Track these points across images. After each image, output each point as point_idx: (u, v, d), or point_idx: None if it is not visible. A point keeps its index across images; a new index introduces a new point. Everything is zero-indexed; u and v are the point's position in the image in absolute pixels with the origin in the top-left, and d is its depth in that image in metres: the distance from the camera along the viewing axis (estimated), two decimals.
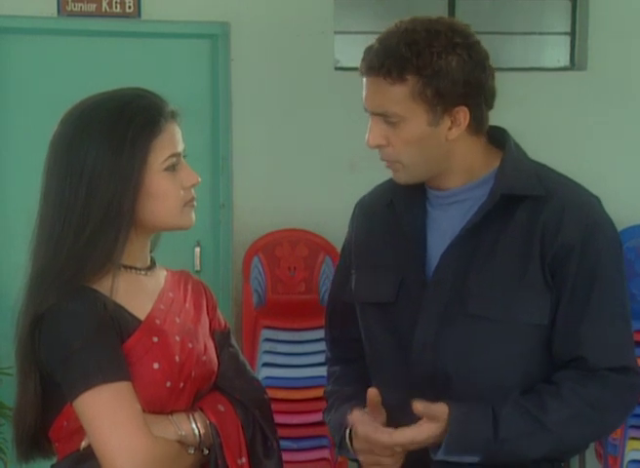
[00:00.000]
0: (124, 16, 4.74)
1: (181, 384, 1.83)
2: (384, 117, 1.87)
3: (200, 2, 4.84)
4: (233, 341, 2.03)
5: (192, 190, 1.88)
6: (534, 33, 5.41)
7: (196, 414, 1.83)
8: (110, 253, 1.79)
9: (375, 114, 1.89)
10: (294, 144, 4.98)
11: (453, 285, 1.91)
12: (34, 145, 4.65)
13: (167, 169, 1.83)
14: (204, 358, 1.90)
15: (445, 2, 5.17)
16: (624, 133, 5.21)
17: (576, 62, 5.35)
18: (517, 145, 1.99)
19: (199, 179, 1.87)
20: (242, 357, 2.03)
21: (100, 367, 1.71)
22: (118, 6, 4.73)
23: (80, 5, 4.69)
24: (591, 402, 1.86)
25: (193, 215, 1.89)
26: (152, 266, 1.94)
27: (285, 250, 4.96)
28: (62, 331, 1.74)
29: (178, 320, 1.89)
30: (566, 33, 5.38)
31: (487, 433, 1.83)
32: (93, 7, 4.71)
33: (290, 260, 4.96)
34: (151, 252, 1.97)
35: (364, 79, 1.90)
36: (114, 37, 4.79)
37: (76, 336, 1.72)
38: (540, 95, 5.12)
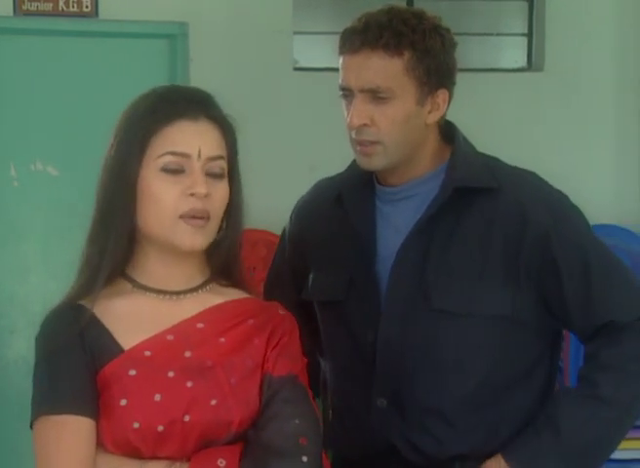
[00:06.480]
0: (81, 15, 4.70)
1: (160, 427, 1.57)
2: (374, 93, 1.86)
3: (158, 2, 4.80)
4: (290, 392, 1.65)
5: (199, 203, 1.64)
6: (491, 34, 5.44)
7: (178, 466, 1.58)
8: (103, 263, 1.64)
9: (362, 92, 1.87)
10: (252, 145, 4.92)
11: (412, 280, 1.91)
12: None
13: (163, 169, 1.64)
14: (213, 402, 1.60)
15: (403, 3, 5.18)
16: (582, 132, 5.25)
17: (533, 63, 5.38)
18: (465, 139, 2.00)
19: (203, 191, 1.64)
20: (300, 410, 1.64)
21: (51, 396, 1.59)
22: (75, 5, 4.68)
23: (36, 4, 4.64)
24: (633, 355, 1.85)
25: (196, 236, 1.65)
26: (192, 291, 1.70)
27: (244, 250, 4.93)
28: (36, 348, 1.66)
29: (188, 354, 1.63)
30: (523, 34, 5.42)
31: (545, 443, 1.82)
32: (49, 6, 4.66)
33: (249, 260, 4.92)
34: (221, 268, 1.80)
35: (349, 58, 1.88)
36: (71, 37, 4.73)
37: (40, 358, 1.64)
38: (498, 95, 5.14)
